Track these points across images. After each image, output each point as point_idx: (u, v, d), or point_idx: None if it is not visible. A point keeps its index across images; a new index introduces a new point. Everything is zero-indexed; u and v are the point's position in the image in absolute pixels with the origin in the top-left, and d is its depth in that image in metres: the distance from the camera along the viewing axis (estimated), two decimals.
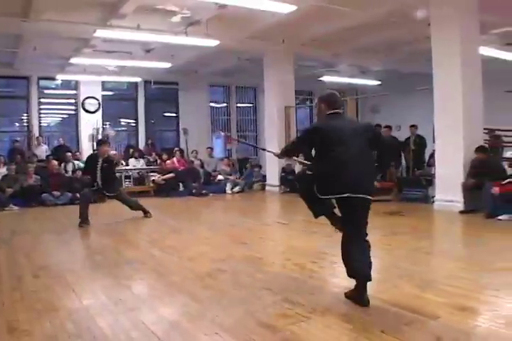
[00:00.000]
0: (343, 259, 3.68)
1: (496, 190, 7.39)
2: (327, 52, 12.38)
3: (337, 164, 3.54)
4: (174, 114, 16.11)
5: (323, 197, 3.64)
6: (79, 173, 11.08)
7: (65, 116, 15.02)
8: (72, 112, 14.70)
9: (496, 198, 7.39)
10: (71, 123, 14.76)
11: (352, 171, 3.52)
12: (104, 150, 7.92)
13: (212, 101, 16.76)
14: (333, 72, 14.98)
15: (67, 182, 11.21)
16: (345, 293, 3.69)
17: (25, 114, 14.09)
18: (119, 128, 15.45)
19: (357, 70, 15.11)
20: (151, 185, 12.69)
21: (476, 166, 7.89)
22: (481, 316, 3.31)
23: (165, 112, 16.35)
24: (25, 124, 14.19)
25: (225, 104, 17.11)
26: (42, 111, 14.27)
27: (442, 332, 2.99)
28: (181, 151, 14.04)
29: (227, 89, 16.97)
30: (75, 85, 14.45)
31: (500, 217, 7.25)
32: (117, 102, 15.58)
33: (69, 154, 12.69)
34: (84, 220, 7.50)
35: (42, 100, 14.16)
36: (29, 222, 8.35)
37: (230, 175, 13.39)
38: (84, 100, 14.25)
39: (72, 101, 14.58)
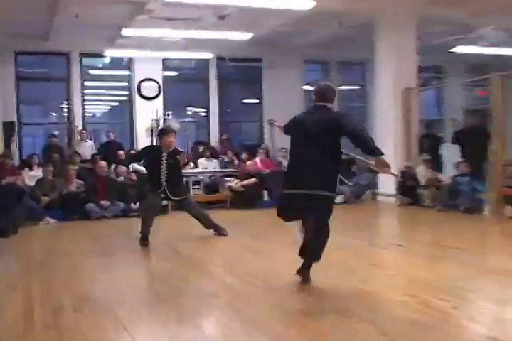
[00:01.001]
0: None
1: None
2: (463, 11, 12.10)
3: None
4: (257, 101, 16.21)
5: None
6: (132, 176, 11.51)
7: (115, 103, 15.88)
8: (125, 99, 15.09)
9: None
10: (123, 112, 15.17)
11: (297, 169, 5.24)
12: (168, 141, 7.89)
13: (307, 84, 16.55)
14: (471, 40, 14.72)
15: (118, 188, 11.37)
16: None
17: (65, 102, 14.46)
18: (186, 119, 15.87)
19: (507, 36, 14.60)
20: (227, 193, 12.77)
21: None
22: None
23: (244, 98, 16.60)
24: (64, 114, 14.60)
25: None
26: (86, 98, 14.63)
27: None
28: (266, 149, 14.19)
29: (327, 67, 16.94)
30: (128, 64, 14.78)
31: None
32: (183, 86, 15.92)
33: (121, 153, 13.01)
34: (146, 237, 7.72)
35: (86, 83, 14.50)
36: (70, 240, 8.49)
37: None
38: (140, 83, 14.55)
39: (125, 84, 14.94)
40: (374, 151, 4.89)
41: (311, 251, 5.22)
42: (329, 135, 4.96)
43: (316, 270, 5.70)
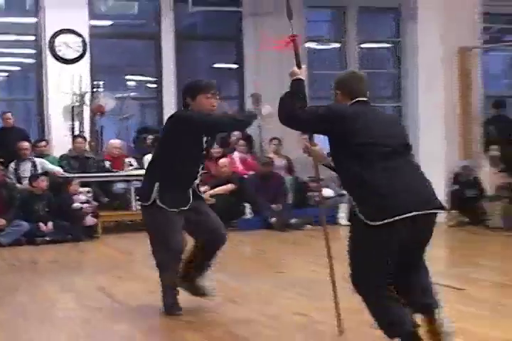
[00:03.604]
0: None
1: None
2: None
3: None
4: (235, 66, 15.33)
5: None
6: (44, 183, 10.89)
7: (14, 68, 15.39)
8: (30, 61, 14.27)
9: None
10: (28, 83, 14.73)
11: None
12: (210, 104, 5.95)
13: (312, 40, 15.55)
14: None
15: (21, 200, 10.90)
16: None
17: None
18: (125, 94, 14.59)
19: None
20: None
21: None
22: None
23: (216, 62, 16.02)
24: None
25: (337, 44, 16.08)
26: None
27: None
28: (248, 141, 13.61)
29: (341, 15, 15.72)
30: (36, 8, 13.55)
31: None
32: (121, 42, 15.22)
33: (24, 144, 11.94)
34: (175, 303, 6.02)
35: None
36: None
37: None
38: (53, 37, 13.12)
39: (31, 38, 13.82)
40: None
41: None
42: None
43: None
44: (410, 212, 3.94)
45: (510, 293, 6.79)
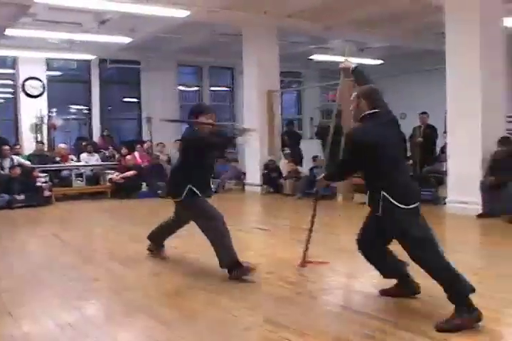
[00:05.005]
0: None
1: None
2: (318, 25, 12.29)
3: None
4: (136, 100, 16.04)
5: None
6: (18, 170, 11.13)
7: (0, 101, 14.85)
8: (9, 96, 14.54)
9: None
10: (8, 109, 14.53)
11: None
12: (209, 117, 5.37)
13: (182, 84, 16.78)
14: (325, 49, 15.07)
15: (3, 181, 11.05)
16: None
17: None
18: (69, 117, 15.31)
19: (354, 47, 15.09)
20: (108, 184, 12.63)
21: (498, 161, 7.88)
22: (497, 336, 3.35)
23: (124, 97, 16.32)
24: None
25: (196, 88, 17.15)
26: None
27: None
28: (144, 144, 14.10)
29: (200, 70, 16.96)
30: (13, 63, 14.27)
31: None
32: (66, 85, 15.49)
33: (6, 147, 12.33)
34: (159, 246, 5.93)
35: None
36: None
37: None
38: (24, 82, 14.09)
39: (10, 82, 14.40)
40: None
41: None
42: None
43: (183, 251, 5.91)
44: None
45: (296, 231, 6.72)
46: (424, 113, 11.31)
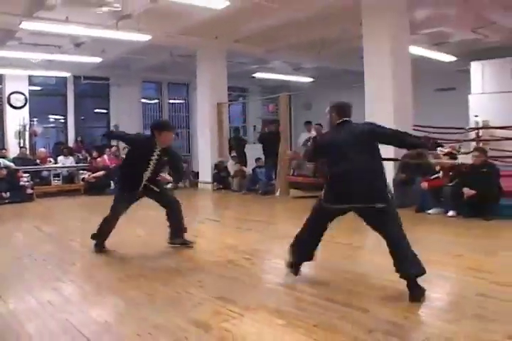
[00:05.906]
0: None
1: (424, 185, 7.74)
2: (260, 48, 12.38)
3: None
4: (105, 111, 15.80)
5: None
6: (4, 171, 10.80)
7: None
8: None
9: (425, 193, 7.73)
10: None
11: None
12: (169, 138, 5.37)
13: (145, 98, 16.56)
14: (267, 68, 15.05)
15: None
16: None
17: None
18: (48, 125, 15.04)
19: (290, 67, 15.26)
20: (81, 183, 12.41)
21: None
22: (412, 308, 3.40)
23: (95, 108, 16.00)
24: None
25: (157, 100, 16.89)
26: None
27: (374, 325, 3.07)
28: (112, 148, 13.64)
29: (160, 86, 16.78)
30: (0, 79, 13.92)
31: (429, 211, 7.62)
32: (45, 98, 15.06)
33: None
34: (102, 241, 5.58)
35: None
36: None
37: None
38: (9, 95, 13.77)
39: None
40: (420, 145, 3.92)
41: None
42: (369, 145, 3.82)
43: (149, 240, 5.88)
44: None
45: (242, 221, 6.89)
46: (318, 124, 11.06)
